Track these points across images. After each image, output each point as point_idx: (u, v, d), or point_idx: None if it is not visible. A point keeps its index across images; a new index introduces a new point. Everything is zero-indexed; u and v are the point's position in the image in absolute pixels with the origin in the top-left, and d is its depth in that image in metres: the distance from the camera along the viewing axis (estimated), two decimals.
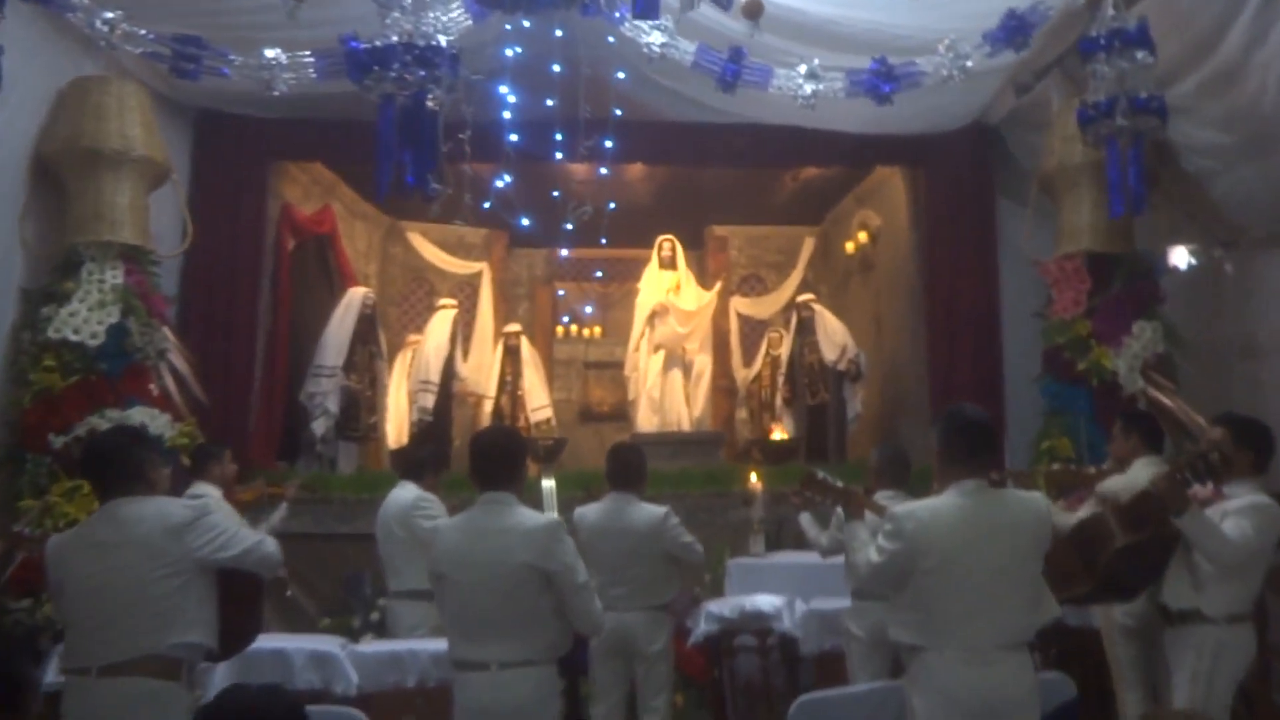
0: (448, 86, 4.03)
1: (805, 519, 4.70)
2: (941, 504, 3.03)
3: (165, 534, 3.02)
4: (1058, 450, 5.69)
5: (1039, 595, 3.02)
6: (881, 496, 4.21)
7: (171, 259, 6.24)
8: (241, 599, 3.20)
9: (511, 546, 3.02)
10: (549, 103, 4.93)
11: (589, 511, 4.58)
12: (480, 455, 3.20)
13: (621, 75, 5.09)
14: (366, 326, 8.24)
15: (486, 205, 4.82)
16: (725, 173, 9.09)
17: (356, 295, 8.28)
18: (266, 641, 4.34)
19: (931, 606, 2.94)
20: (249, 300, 7.09)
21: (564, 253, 5.86)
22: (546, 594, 3.02)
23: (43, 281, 5.49)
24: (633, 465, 4.62)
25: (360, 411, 8.10)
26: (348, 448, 8.07)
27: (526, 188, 6.63)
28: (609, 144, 5.32)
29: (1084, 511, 4.13)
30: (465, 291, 10.34)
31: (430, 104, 4.03)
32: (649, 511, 4.46)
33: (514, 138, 5.07)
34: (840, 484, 3.54)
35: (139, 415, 5.28)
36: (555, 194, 5.09)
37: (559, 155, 4.95)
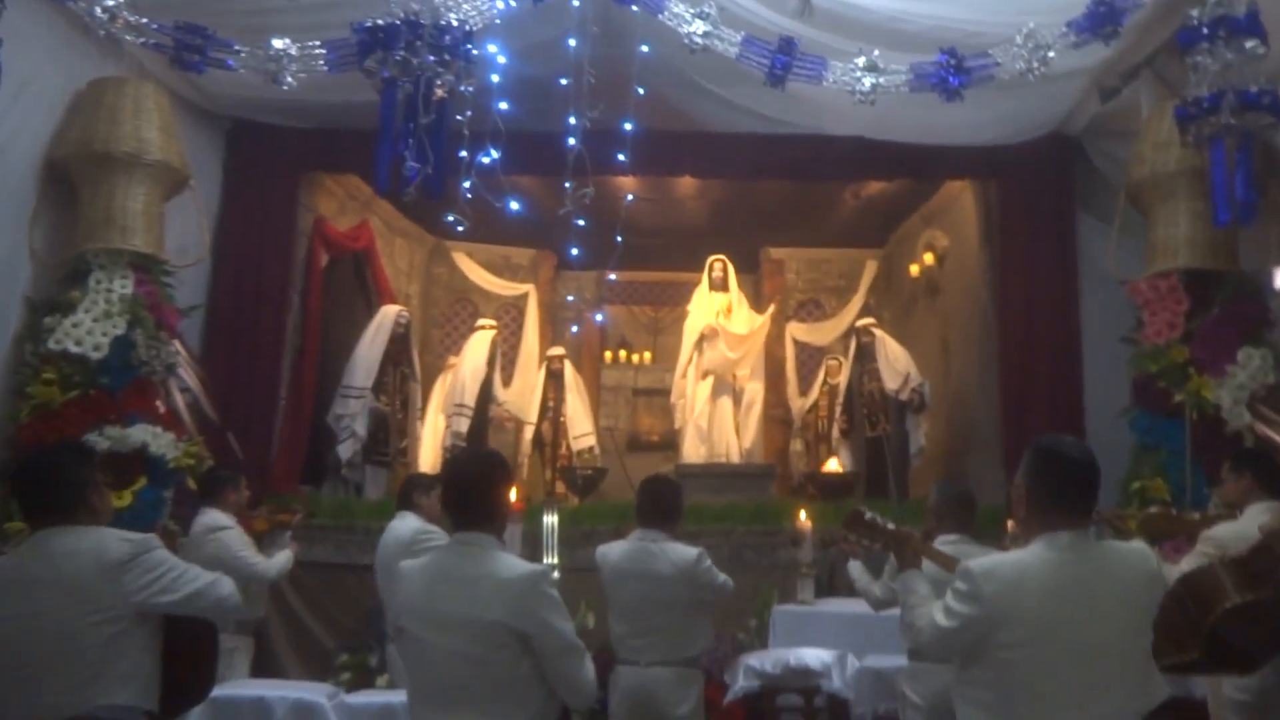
0: (459, 73, 3.61)
1: (855, 567, 4.14)
2: (1030, 560, 2.44)
3: (99, 573, 2.60)
4: (1150, 491, 5.12)
5: (1148, 674, 2.43)
6: (942, 542, 3.66)
7: (189, 270, 5.95)
8: (190, 651, 2.76)
9: (482, 600, 2.48)
10: (563, 81, 4.48)
11: (611, 550, 4.09)
12: (450, 486, 2.69)
13: (645, 49, 4.60)
14: (399, 346, 7.92)
15: (468, 184, 4.38)
16: (782, 192, 8.67)
17: (389, 313, 7.96)
18: (247, 689, 3.96)
19: (1015, 688, 2.36)
20: (276, 316, 6.84)
21: (574, 251, 5.40)
22: (526, 657, 2.47)
23: (50, 291, 5.25)
24: (664, 499, 4.13)
25: (389, 435, 7.76)
26: (375, 473, 7.72)
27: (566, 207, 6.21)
28: (628, 126, 4.83)
29: (1187, 563, 3.57)
30: (510, 314, 10.01)
31: (439, 91, 3.61)
32: (679, 553, 3.95)
33: (503, 104, 4.57)
34: (891, 526, 2.93)
35: (139, 434, 5.01)
36: (566, 184, 4.64)
37: (571, 141, 4.50)
